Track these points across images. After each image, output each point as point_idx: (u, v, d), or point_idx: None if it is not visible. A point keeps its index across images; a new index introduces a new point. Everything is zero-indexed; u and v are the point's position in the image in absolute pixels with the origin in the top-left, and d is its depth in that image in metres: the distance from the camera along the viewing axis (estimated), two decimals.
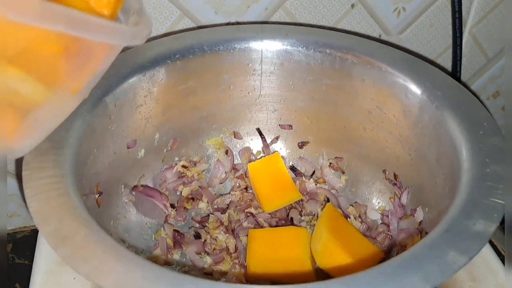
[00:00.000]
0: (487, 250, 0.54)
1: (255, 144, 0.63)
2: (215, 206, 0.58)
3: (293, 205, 0.58)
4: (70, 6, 0.30)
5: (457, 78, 0.70)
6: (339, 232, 0.51)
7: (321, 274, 0.50)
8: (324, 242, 0.50)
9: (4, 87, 0.31)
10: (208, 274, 0.52)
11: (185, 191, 0.58)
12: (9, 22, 0.28)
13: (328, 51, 0.55)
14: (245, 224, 0.56)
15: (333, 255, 0.49)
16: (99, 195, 0.47)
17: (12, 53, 0.30)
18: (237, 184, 0.61)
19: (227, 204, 0.59)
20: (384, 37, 0.67)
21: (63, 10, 0.29)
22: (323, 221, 0.52)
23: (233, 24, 0.61)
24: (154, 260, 0.52)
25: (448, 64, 0.71)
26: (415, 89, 0.50)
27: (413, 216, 0.51)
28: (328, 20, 0.63)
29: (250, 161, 0.61)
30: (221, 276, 0.52)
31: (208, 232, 0.56)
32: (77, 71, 0.34)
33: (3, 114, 0.32)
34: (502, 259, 0.53)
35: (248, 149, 0.62)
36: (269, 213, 0.57)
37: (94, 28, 0.31)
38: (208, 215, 0.58)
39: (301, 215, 0.58)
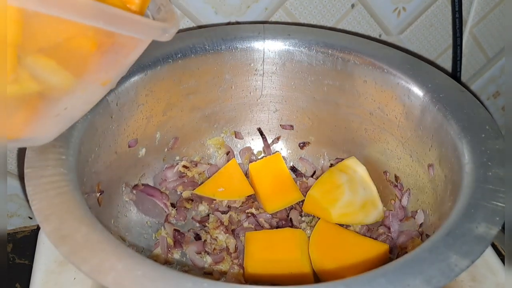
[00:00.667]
0: (488, 250, 0.54)
1: (256, 144, 0.63)
2: (216, 207, 0.58)
3: (294, 206, 0.58)
4: (104, 2, 0.31)
5: (457, 78, 0.70)
6: (329, 252, 0.51)
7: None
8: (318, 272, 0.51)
9: (35, 76, 0.31)
10: (208, 274, 0.52)
11: (186, 194, 0.58)
12: (51, 17, 0.28)
13: (330, 51, 0.55)
14: (245, 224, 0.56)
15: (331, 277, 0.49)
16: (100, 194, 0.47)
17: (48, 45, 0.31)
18: None
19: (228, 206, 0.58)
20: (384, 37, 0.67)
21: (101, 6, 0.30)
22: (311, 248, 0.52)
23: (233, 24, 0.61)
24: (155, 259, 0.52)
25: (448, 64, 0.71)
26: (417, 91, 0.50)
27: (414, 218, 0.52)
28: (328, 20, 0.63)
29: (251, 161, 0.61)
30: (221, 275, 0.52)
31: (208, 232, 0.55)
32: (109, 64, 0.35)
33: (32, 103, 0.33)
34: (502, 259, 0.53)
35: (249, 149, 0.62)
36: (270, 214, 0.57)
37: (129, 23, 0.32)
38: (208, 215, 0.58)
39: (301, 216, 0.58)
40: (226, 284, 0.33)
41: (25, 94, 0.32)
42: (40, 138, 0.37)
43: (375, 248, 0.51)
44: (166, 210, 0.56)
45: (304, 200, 0.58)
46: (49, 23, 0.29)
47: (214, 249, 0.54)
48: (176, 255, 0.54)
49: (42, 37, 0.30)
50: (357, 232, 0.55)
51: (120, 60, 0.36)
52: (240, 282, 0.51)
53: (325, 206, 0.54)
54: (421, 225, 0.50)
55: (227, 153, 0.61)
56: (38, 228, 0.60)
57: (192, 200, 0.58)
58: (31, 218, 0.65)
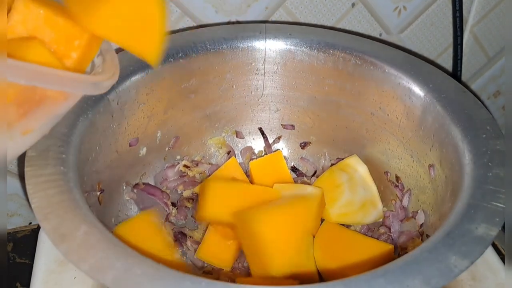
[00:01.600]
0: (488, 250, 0.53)
1: (257, 144, 0.63)
2: None
3: None
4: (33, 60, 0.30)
5: (458, 78, 0.70)
6: (333, 252, 0.51)
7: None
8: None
9: None
10: (207, 273, 0.52)
11: (186, 193, 0.58)
12: None
13: (331, 51, 0.55)
14: None
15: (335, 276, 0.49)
16: (100, 193, 0.47)
17: None
18: None
19: None
20: (384, 36, 0.66)
21: (19, 63, 0.29)
22: (315, 248, 0.51)
23: (233, 23, 0.61)
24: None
25: (448, 63, 0.71)
26: (418, 91, 0.50)
27: (414, 219, 0.51)
28: (329, 19, 0.63)
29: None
30: (221, 275, 0.52)
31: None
32: (28, 115, 0.34)
33: None
34: (502, 258, 0.53)
35: (250, 149, 0.62)
36: None
37: (51, 79, 0.31)
38: None
39: None
40: (224, 284, 0.33)
41: None
42: None
43: (380, 248, 0.51)
44: (167, 209, 0.56)
45: None
46: None
47: None
48: (176, 254, 0.54)
49: None
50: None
51: (45, 111, 0.35)
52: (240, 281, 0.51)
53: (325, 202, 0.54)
54: (421, 225, 0.50)
55: (228, 153, 0.61)
56: (38, 228, 0.61)
57: (193, 200, 0.58)
58: (31, 224, 0.65)
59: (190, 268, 0.53)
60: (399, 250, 0.51)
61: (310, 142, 0.62)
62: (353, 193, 0.55)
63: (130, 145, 0.52)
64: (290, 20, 0.62)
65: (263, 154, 0.62)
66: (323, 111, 0.59)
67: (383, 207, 0.56)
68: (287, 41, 0.56)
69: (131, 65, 0.51)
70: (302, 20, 0.63)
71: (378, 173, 0.57)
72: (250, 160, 0.62)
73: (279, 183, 0.55)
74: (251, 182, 0.59)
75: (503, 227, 0.37)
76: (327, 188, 0.55)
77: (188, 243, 0.54)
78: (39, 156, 0.40)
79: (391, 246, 0.51)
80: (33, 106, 0.33)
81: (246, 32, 0.56)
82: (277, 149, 0.62)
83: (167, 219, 0.56)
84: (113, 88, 0.48)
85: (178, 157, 0.59)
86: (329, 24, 0.64)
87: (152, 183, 0.57)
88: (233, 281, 0.50)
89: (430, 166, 0.49)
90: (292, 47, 0.56)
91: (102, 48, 0.38)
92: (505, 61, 0.72)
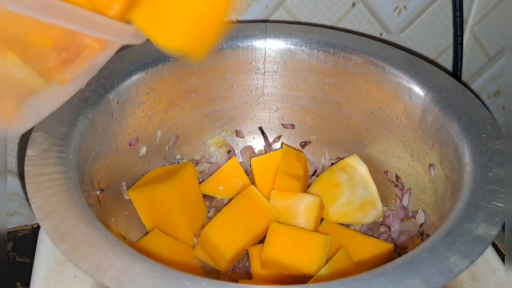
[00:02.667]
0: (488, 249, 0.53)
1: (257, 143, 0.63)
2: (217, 205, 0.58)
3: None
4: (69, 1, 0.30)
5: (458, 77, 0.70)
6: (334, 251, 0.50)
7: None
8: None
9: (4, 70, 0.31)
10: (207, 273, 0.52)
11: None
12: (9, 12, 0.28)
13: (331, 50, 0.55)
14: None
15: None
16: (100, 192, 0.47)
17: (10, 39, 0.30)
18: None
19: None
20: (384, 35, 0.66)
21: (59, 4, 0.29)
22: None
23: (233, 22, 0.61)
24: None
25: (448, 63, 0.71)
26: (418, 90, 0.50)
27: (414, 218, 0.51)
28: (329, 18, 0.63)
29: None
30: (221, 275, 0.52)
31: None
32: (66, 63, 0.34)
33: (3, 96, 0.32)
34: (502, 258, 0.53)
35: (250, 148, 0.62)
36: None
37: (91, 24, 0.31)
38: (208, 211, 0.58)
39: None
40: (224, 283, 0.33)
41: None
42: (11, 130, 0.36)
43: (380, 248, 0.51)
44: None
45: None
46: (6, 16, 0.29)
47: None
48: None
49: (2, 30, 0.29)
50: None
51: (84, 60, 0.35)
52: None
53: (324, 205, 0.54)
54: (421, 225, 0.50)
55: (228, 152, 0.61)
56: (38, 227, 0.61)
57: None
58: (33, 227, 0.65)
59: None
60: (399, 250, 0.52)
61: (310, 142, 0.62)
62: (353, 193, 0.55)
63: (130, 145, 0.52)
64: (291, 19, 0.62)
65: (263, 153, 0.62)
66: (323, 111, 0.59)
67: (383, 206, 0.56)
68: (287, 40, 0.56)
69: (131, 64, 0.51)
70: (302, 20, 0.63)
71: (378, 173, 0.57)
72: (251, 159, 0.62)
73: (276, 191, 0.55)
74: (252, 180, 0.59)
75: (503, 227, 0.37)
76: (327, 188, 0.55)
77: None
78: (39, 155, 0.40)
79: (391, 245, 0.51)
80: (71, 54, 0.33)
81: (246, 32, 0.56)
82: (277, 149, 0.62)
83: None
84: (113, 87, 0.49)
85: (178, 156, 0.59)
86: (329, 24, 0.64)
87: None
88: (233, 281, 0.50)
89: (430, 165, 0.49)
90: (292, 47, 0.56)
91: None
92: (505, 60, 0.72)
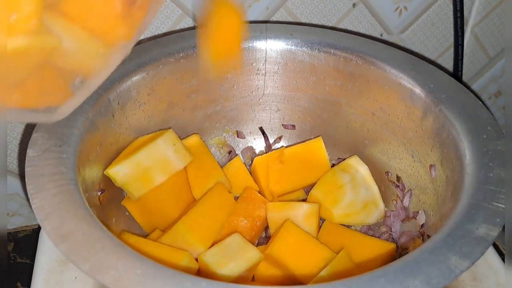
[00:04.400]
0: (489, 250, 0.53)
1: (258, 144, 0.63)
2: None
3: None
4: None
5: (459, 78, 0.70)
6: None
7: None
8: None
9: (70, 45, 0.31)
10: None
11: None
12: None
13: (332, 51, 0.55)
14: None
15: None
16: (101, 193, 0.47)
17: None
18: None
19: None
20: (385, 36, 0.66)
21: None
22: None
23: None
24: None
25: (449, 64, 0.71)
26: (419, 91, 0.50)
27: (415, 219, 0.51)
28: (330, 19, 0.63)
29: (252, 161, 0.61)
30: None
31: None
32: (129, 15, 0.33)
33: (55, 75, 0.32)
34: (503, 258, 0.53)
35: (250, 149, 0.62)
36: None
37: None
38: None
39: None
40: (224, 284, 0.33)
41: (43, 50, 0.30)
42: (55, 111, 0.35)
43: (382, 248, 0.51)
44: None
45: (306, 197, 0.58)
46: None
47: None
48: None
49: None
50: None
51: (140, 13, 0.34)
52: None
53: (327, 207, 0.54)
54: (422, 225, 0.50)
55: (229, 153, 0.61)
56: (39, 228, 0.61)
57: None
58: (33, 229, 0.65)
59: None
60: (400, 250, 0.51)
61: None
62: (355, 194, 0.55)
63: None
64: (291, 20, 0.62)
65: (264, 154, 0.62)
66: (324, 111, 0.59)
67: (384, 207, 0.56)
68: (288, 41, 0.56)
69: (132, 65, 0.51)
70: (303, 20, 0.63)
71: (379, 173, 0.57)
72: (251, 159, 0.62)
73: (273, 202, 0.55)
74: (255, 179, 0.59)
75: (504, 227, 0.37)
76: (329, 189, 0.55)
77: None
78: (40, 156, 0.40)
79: (393, 245, 0.50)
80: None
81: (247, 32, 0.56)
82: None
83: None
84: (113, 88, 0.49)
85: None
86: (330, 24, 0.64)
87: None
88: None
89: (431, 166, 0.49)
90: (293, 47, 0.56)
91: None
92: (505, 61, 0.72)
